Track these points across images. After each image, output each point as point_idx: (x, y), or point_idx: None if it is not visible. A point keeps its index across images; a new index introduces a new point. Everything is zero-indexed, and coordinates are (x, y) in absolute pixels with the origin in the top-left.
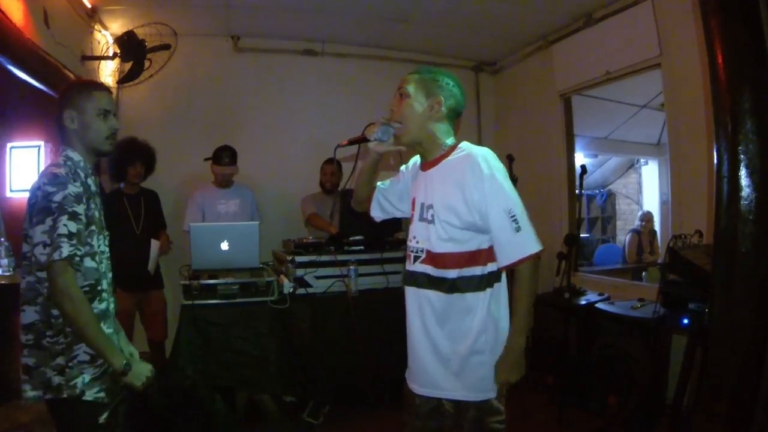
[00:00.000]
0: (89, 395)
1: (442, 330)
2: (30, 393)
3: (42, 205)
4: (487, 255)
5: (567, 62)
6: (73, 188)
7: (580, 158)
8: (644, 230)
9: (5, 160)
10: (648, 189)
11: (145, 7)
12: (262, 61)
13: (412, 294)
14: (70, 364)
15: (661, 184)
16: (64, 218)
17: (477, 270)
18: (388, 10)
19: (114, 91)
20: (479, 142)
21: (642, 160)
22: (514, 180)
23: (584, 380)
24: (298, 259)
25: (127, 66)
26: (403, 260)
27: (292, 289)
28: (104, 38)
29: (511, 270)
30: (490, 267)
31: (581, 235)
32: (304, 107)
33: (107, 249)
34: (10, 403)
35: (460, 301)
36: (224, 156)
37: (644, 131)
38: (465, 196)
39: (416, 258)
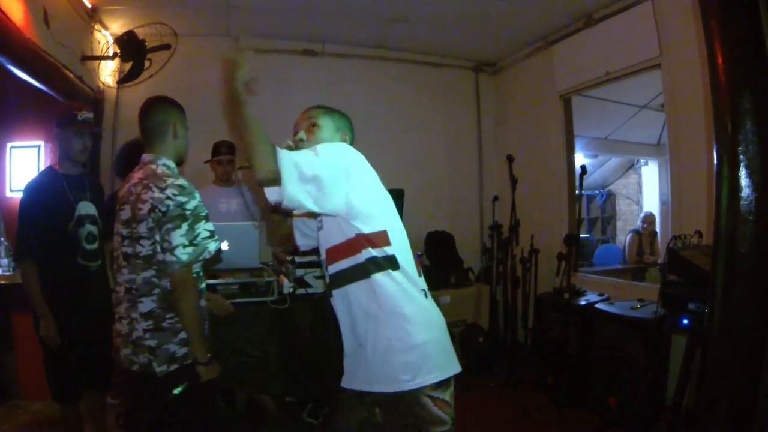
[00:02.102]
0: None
1: (345, 321)
2: (158, 369)
3: (176, 212)
4: (359, 243)
5: (567, 62)
6: (198, 195)
7: (580, 158)
8: (645, 231)
9: (5, 159)
10: (648, 189)
11: (146, 7)
12: (262, 61)
13: (332, 299)
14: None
15: (660, 184)
16: (201, 223)
17: (345, 263)
18: (388, 10)
19: (113, 91)
20: (479, 142)
21: (642, 161)
22: (514, 180)
23: (584, 380)
24: (298, 259)
25: (127, 66)
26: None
27: (292, 290)
28: (104, 38)
29: None
30: (373, 252)
31: (581, 236)
32: (304, 107)
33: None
34: (10, 403)
35: (349, 291)
36: (222, 147)
37: (644, 132)
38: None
39: (324, 262)
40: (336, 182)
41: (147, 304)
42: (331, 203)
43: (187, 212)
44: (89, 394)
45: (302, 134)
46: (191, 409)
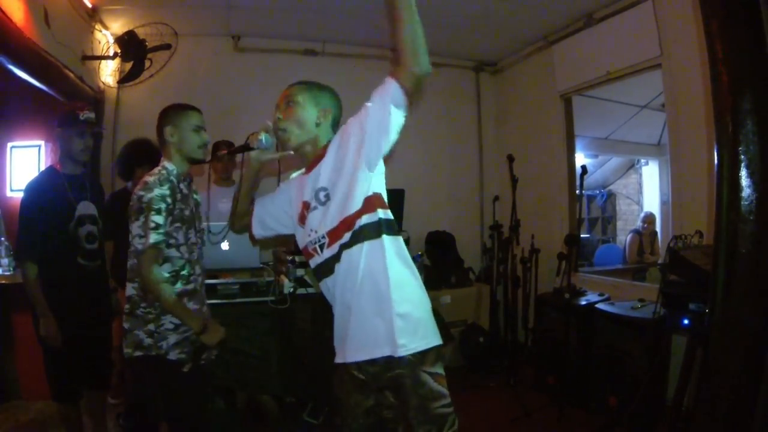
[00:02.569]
0: (172, 355)
1: (358, 293)
2: (125, 350)
3: (136, 206)
4: (375, 202)
5: (567, 62)
6: (159, 191)
7: (581, 158)
8: (645, 231)
9: (6, 159)
10: (648, 189)
11: (146, 7)
12: (263, 61)
13: (329, 283)
14: (158, 330)
15: (661, 184)
16: (151, 214)
17: (365, 218)
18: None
19: (114, 90)
20: (479, 142)
21: (642, 161)
22: (514, 180)
23: (584, 381)
24: (298, 258)
25: (128, 66)
26: None
27: (292, 289)
28: (105, 38)
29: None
30: (381, 214)
31: (581, 236)
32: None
33: (198, 241)
34: (12, 403)
35: (356, 256)
36: (221, 146)
37: (645, 131)
38: (347, 149)
39: (322, 246)
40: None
41: (129, 289)
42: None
43: (143, 204)
44: (89, 393)
45: (278, 114)
46: (166, 398)
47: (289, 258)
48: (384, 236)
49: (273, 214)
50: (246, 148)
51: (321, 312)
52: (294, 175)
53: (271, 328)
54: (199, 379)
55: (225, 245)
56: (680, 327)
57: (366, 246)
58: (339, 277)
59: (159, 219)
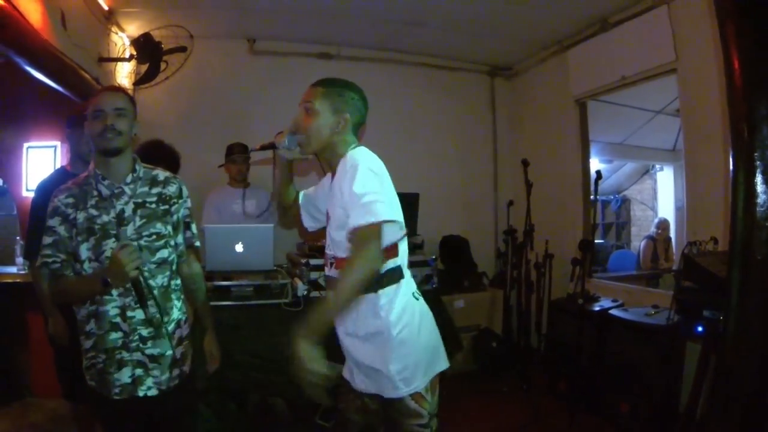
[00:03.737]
0: (87, 380)
1: (351, 329)
2: None
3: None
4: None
5: (582, 67)
6: (51, 204)
7: (595, 164)
8: (660, 237)
9: (22, 159)
10: (663, 195)
11: (162, 10)
12: (278, 63)
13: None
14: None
15: (676, 190)
16: (44, 235)
17: None
18: (404, 13)
19: (130, 92)
20: (494, 147)
21: (657, 166)
22: (529, 185)
23: (597, 386)
24: (312, 261)
25: (144, 68)
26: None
27: (306, 292)
28: (121, 40)
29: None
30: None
31: (595, 241)
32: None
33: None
34: (25, 401)
35: (357, 303)
36: (235, 148)
37: (659, 137)
38: (339, 199)
39: (331, 264)
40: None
41: None
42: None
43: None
44: None
45: (298, 121)
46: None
47: (303, 261)
48: (381, 292)
49: (318, 207)
50: (271, 146)
51: None
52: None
53: (284, 331)
54: (126, 418)
55: (239, 247)
56: (694, 334)
57: (362, 297)
58: None
59: (45, 240)
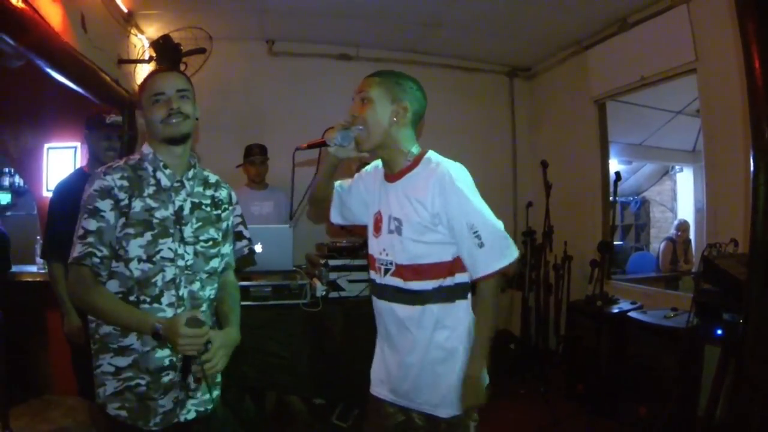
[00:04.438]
0: (110, 409)
1: (413, 342)
2: None
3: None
4: (455, 265)
5: (602, 67)
6: (101, 182)
7: (614, 165)
8: (679, 239)
9: (42, 160)
10: (683, 196)
11: (181, 12)
12: (297, 65)
13: (382, 306)
14: (96, 371)
15: (696, 191)
16: (82, 217)
17: (447, 281)
18: (423, 15)
19: None
20: (513, 148)
21: (677, 167)
22: (548, 186)
23: (615, 389)
24: (332, 262)
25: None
26: None
27: (324, 293)
28: (140, 42)
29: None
30: (460, 278)
31: (614, 243)
32: (338, 111)
33: (186, 255)
34: (44, 398)
35: (430, 313)
36: (254, 149)
37: (679, 137)
38: (431, 210)
39: (386, 271)
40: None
41: None
42: None
43: (83, 203)
44: None
45: (352, 112)
46: None
47: (322, 261)
48: (458, 301)
49: (351, 207)
50: (321, 144)
51: (353, 316)
52: (369, 167)
53: (302, 331)
54: None
55: (259, 247)
56: (713, 337)
57: (432, 308)
58: (397, 312)
59: (90, 223)
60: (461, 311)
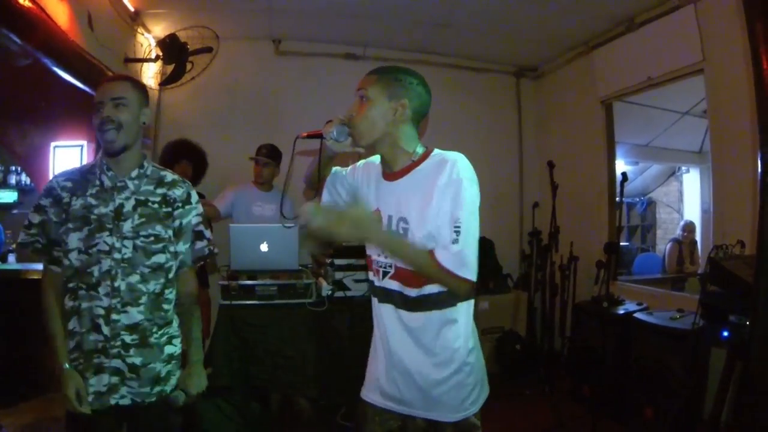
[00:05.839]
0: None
1: (415, 347)
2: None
3: None
4: None
5: (608, 68)
6: (47, 184)
7: (621, 165)
8: (685, 240)
9: (49, 158)
10: (689, 197)
11: (188, 11)
12: (304, 64)
13: (381, 309)
14: None
15: (702, 192)
16: (31, 211)
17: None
18: (430, 14)
19: (156, 92)
20: (520, 148)
21: (683, 168)
22: (554, 187)
23: (620, 391)
24: (337, 261)
25: (170, 68)
26: None
27: (330, 292)
28: (147, 41)
29: None
30: None
31: (621, 244)
32: (345, 111)
33: (108, 247)
34: (48, 396)
35: (432, 319)
36: (261, 149)
37: (686, 138)
38: (436, 203)
39: (384, 273)
40: None
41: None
42: None
43: None
44: None
45: (351, 110)
46: None
47: (328, 261)
48: (456, 305)
49: (340, 192)
50: (318, 136)
51: (358, 315)
52: (360, 164)
53: (307, 330)
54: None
55: (264, 246)
56: (719, 339)
57: (427, 313)
58: (396, 317)
59: (34, 217)
60: (463, 314)
